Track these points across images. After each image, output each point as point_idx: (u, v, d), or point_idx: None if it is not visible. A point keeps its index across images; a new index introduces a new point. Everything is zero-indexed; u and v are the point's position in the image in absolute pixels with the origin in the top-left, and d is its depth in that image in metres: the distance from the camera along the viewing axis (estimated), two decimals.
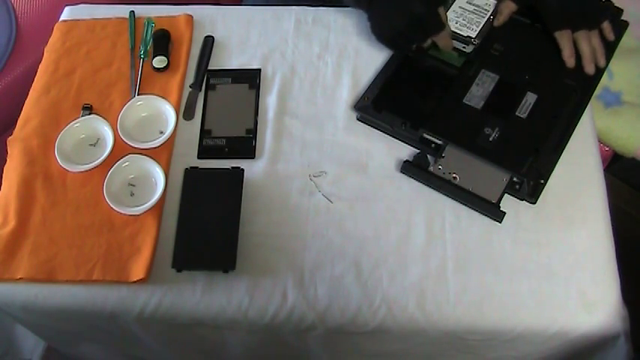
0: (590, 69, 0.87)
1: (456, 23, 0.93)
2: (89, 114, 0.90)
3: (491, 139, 0.83)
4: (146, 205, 0.81)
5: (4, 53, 1.22)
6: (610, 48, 0.92)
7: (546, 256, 0.78)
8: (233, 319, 0.77)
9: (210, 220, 0.81)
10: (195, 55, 0.97)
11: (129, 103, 0.90)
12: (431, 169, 0.83)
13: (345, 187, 0.84)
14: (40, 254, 0.80)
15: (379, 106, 0.88)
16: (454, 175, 0.82)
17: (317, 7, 1.01)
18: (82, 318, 0.81)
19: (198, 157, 0.88)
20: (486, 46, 0.92)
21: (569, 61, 0.87)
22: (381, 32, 0.92)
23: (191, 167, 0.86)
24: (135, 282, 0.77)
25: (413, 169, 0.83)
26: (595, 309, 0.75)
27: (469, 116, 0.86)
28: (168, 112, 0.90)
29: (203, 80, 0.94)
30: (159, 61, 0.94)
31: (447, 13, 0.94)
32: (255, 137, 0.89)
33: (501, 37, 0.92)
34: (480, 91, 0.88)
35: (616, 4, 0.95)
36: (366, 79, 0.93)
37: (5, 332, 0.90)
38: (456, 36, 0.92)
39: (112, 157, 0.85)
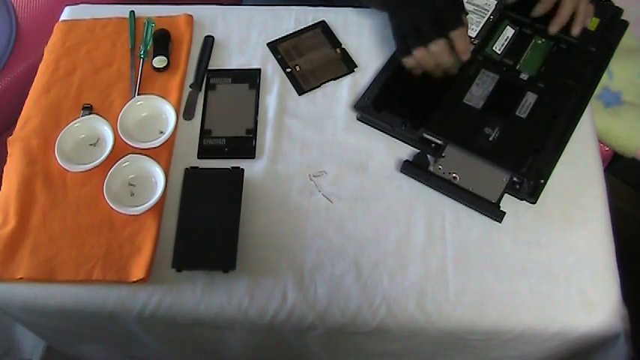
0: (552, 29, 0.90)
1: None
2: (89, 114, 0.90)
3: (491, 138, 0.83)
4: (146, 205, 0.81)
5: (4, 53, 1.22)
6: (610, 48, 0.92)
7: (546, 256, 0.78)
8: (233, 319, 0.77)
9: (210, 220, 0.81)
10: (195, 55, 0.97)
11: (129, 103, 0.90)
12: (431, 169, 0.83)
13: (345, 187, 0.84)
14: (40, 254, 0.80)
15: (379, 106, 0.88)
16: (454, 175, 0.82)
17: (317, 7, 1.01)
18: (82, 318, 0.81)
19: (198, 157, 0.88)
20: (486, 46, 0.92)
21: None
22: (399, 24, 0.88)
23: (191, 167, 0.86)
24: (135, 282, 0.77)
25: (413, 169, 0.83)
26: (595, 309, 0.75)
27: (469, 116, 0.86)
28: (168, 112, 0.90)
29: (203, 80, 0.94)
30: (159, 61, 0.94)
31: None
32: (255, 137, 0.89)
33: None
34: (479, 91, 0.88)
35: (616, 4, 0.95)
36: (366, 79, 0.93)
37: (5, 332, 0.90)
38: None
39: (112, 157, 0.85)
